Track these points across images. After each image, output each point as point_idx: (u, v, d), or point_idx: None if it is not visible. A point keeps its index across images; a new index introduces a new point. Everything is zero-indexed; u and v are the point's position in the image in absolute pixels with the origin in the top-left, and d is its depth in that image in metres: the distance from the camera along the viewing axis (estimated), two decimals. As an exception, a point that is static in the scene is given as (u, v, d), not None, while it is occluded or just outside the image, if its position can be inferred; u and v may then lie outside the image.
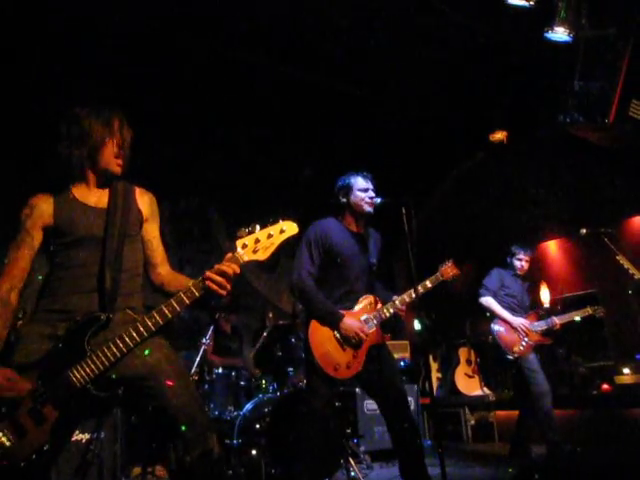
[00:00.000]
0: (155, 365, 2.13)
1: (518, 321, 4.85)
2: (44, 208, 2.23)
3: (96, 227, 2.25)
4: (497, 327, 4.91)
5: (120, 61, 5.14)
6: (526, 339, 4.77)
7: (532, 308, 5.14)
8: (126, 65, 5.19)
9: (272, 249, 2.20)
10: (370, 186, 3.44)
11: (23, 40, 4.75)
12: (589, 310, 5.03)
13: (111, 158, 2.30)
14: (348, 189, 3.44)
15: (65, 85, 4.98)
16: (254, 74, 5.70)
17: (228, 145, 6.63)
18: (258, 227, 2.19)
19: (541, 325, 4.91)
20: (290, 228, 2.22)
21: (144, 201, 2.45)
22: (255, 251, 2.17)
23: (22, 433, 1.96)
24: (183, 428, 2.06)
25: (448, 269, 3.58)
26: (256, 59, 5.57)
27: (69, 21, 4.67)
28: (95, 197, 2.34)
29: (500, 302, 4.98)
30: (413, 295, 3.26)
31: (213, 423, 2.22)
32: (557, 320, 4.90)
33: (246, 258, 2.17)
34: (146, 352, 2.15)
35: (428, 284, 3.45)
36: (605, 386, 6.82)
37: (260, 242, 2.17)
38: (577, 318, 5.12)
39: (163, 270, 2.43)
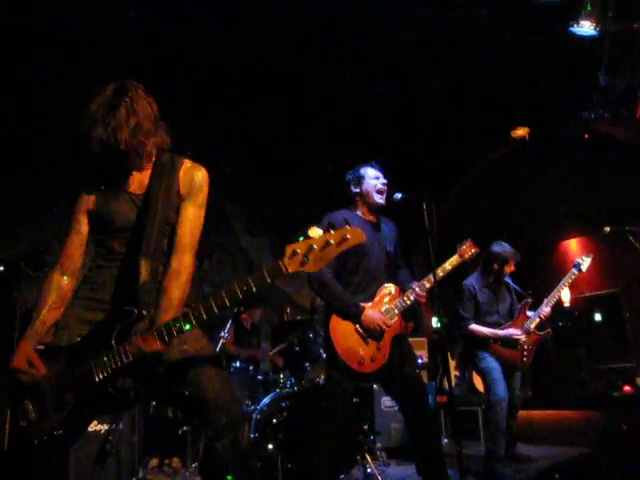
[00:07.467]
0: (193, 354, 2.11)
1: (506, 333, 4.32)
2: (89, 194, 2.20)
3: (134, 215, 2.15)
4: (493, 350, 4.30)
5: (141, 57, 5.17)
6: (525, 347, 4.31)
7: (511, 316, 4.51)
8: (151, 62, 5.22)
9: (326, 260, 1.82)
10: (380, 174, 3.47)
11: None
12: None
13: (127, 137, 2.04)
14: (360, 178, 3.47)
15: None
16: (276, 71, 5.70)
17: (248, 139, 6.63)
18: (320, 231, 1.84)
19: (533, 321, 4.34)
20: (355, 236, 1.83)
21: (186, 178, 2.18)
22: (303, 263, 1.81)
23: (43, 413, 1.99)
24: (217, 416, 2.04)
25: (467, 249, 3.52)
26: (277, 57, 5.56)
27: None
28: (137, 181, 2.20)
29: (485, 322, 4.41)
30: (433, 280, 3.23)
31: (246, 416, 2.19)
32: (546, 308, 4.34)
33: (290, 270, 1.82)
34: (184, 342, 2.11)
35: (447, 266, 3.41)
36: (627, 388, 6.72)
37: (313, 251, 1.80)
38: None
39: (174, 261, 2.10)
